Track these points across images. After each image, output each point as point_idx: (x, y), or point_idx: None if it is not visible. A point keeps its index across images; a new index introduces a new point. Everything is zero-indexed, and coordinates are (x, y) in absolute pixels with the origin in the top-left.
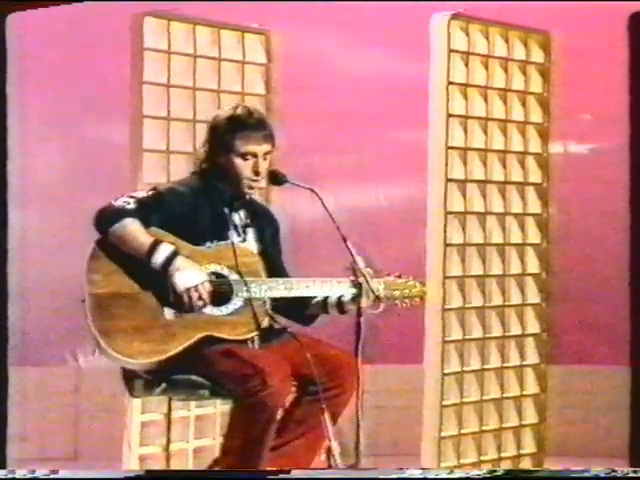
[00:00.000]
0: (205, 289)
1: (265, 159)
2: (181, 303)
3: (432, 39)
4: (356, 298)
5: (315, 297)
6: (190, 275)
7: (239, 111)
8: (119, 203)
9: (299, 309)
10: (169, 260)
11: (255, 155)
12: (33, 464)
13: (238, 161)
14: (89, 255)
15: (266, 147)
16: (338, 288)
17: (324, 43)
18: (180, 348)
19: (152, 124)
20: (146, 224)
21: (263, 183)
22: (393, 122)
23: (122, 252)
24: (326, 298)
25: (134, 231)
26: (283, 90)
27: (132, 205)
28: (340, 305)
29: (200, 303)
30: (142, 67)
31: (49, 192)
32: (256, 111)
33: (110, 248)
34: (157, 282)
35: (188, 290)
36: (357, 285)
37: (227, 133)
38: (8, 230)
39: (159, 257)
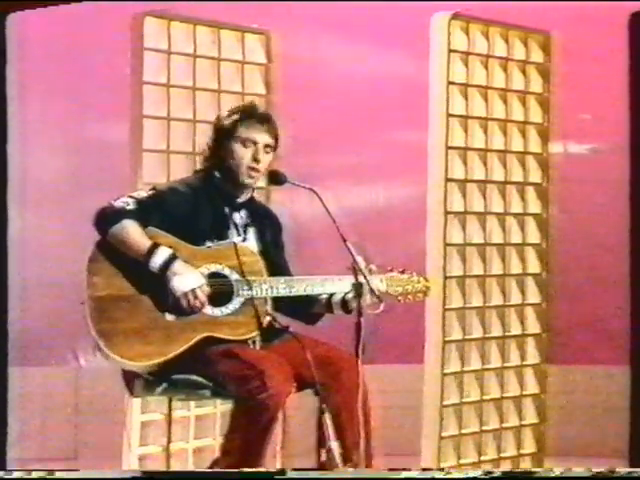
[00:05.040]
0: (203, 292)
1: (267, 152)
2: (179, 306)
3: (432, 39)
4: (357, 297)
5: (319, 296)
6: (188, 279)
7: (246, 103)
8: (119, 204)
9: (303, 308)
10: (167, 264)
11: (255, 143)
12: (33, 464)
13: (238, 147)
14: (89, 257)
15: (267, 139)
16: (340, 286)
17: (324, 43)
18: (181, 350)
19: (152, 124)
20: (146, 225)
21: (262, 182)
22: (393, 122)
23: (122, 254)
24: (330, 297)
25: (133, 233)
26: (283, 90)
27: (132, 206)
28: (345, 304)
29: (198, 306)
30: (142, 67)
31: (49, 192)
32: (262, 108)
33: (110, 250)
34: (156, 285)
35: (186, 294)
36: (358, 284)
37: (231, 122)
38: (8, 230)
39: (157, 260)
